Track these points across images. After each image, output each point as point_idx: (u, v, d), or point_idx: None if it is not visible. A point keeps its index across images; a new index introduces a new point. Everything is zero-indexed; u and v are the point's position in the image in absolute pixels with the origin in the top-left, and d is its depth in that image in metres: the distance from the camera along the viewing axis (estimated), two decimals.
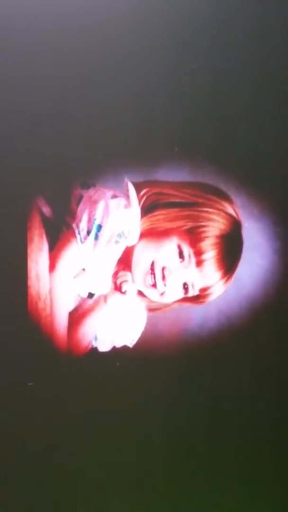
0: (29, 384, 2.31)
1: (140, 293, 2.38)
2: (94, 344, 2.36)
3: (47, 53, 2.32)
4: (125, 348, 2.38)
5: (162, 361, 2.39)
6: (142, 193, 2.36)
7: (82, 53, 2.35)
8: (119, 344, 2.38)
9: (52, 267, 2.31)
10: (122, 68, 2.37)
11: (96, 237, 2.31)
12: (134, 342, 2.38)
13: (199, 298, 2.40)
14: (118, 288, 2.35)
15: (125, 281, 2.35)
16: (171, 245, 2.36)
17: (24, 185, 2.30)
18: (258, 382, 2.45)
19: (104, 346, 2.37)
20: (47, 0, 2.32)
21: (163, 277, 2.35)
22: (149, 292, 2.37)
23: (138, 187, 2.36)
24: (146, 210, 2.36)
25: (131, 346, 2.37)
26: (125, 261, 2.35)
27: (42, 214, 2.32)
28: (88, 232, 2.31)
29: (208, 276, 2.38)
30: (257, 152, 2.47)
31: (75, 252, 2.32)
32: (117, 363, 2.35)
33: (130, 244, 2.34)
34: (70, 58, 2.34)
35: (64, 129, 2.33)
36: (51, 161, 2.32)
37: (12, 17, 2.32)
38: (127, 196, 2.35)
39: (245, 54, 2.45)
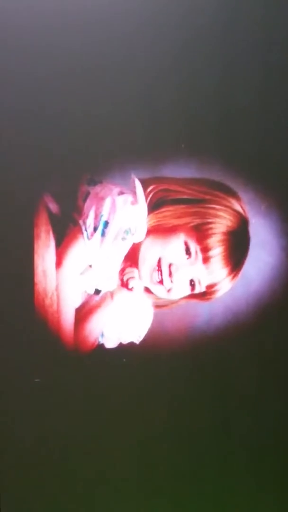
0: (36, 380, 2.31)
1: (147, 289, 2.37)
2: (101, 340, 2.36)
3: (53, 50, 2.32)
4: (131, 344, 2.38)
5: (168, 357, 2.39)
6: (149, 189, 2.36)
7: (88, 50, 2.35)
8: (125, 340, 2.37)
9: (59, 263, 2.31)
10: (128, 65, 2.36)
11: (103, 234, 2.31)
12: (140, 339, 2.37)
13: (206, 295, 2.39)
14: (124, 284, 2.35)
15: (131, 277, 2.35)
16: (178, 241, 2.36)
17: (31, 182, 2.30)
18: (265, 379, 2.45)
19: (110, 343, 2.37)
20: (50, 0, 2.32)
21: (170, 274, 2.35)
22: (156, 289, 2.37)
23: (145, 183, 2.35)
24: (153, 206, 2.36)
25: (137, 342, 2.37)
26: (132, 258, 2.35)
27: (49, 211, 2.32)
28: (95, 229, 2.31)
29: (215, 272, 2.38)
30: (264, 148, 2.46)
31: (82, 249, 2.32)
32: (124, 360, 2.35)
33: (137, 240, 2.34)
34: (75, 55, 2.34)
35: (70, 126, 2.33)
36: (57, 158, 2.31)
37: (17, 17, 2.31)
38: (134, 193, 2.34)
39: (251, 50, 2.44)
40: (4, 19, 2.29)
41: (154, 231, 2.35)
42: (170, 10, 2.38)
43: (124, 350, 2.37)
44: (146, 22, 2.37)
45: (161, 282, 2.35)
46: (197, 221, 2.37)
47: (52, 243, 2.31)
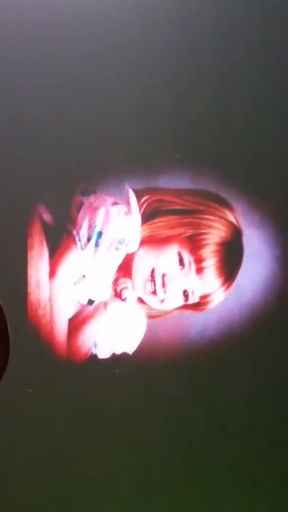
0: (29, 390, 2.30)
1: (140, 300, 2.37)
2: (94, 351, 2.36)
3: (49, 61, 2.32)
4: (124, 355, 2.37)
5: (162, 368, 2.38)
6: (143, 200, 2.36)
7: (84, 61, 2.35)
8: (118, 351, 2.37)
9: (52, 273, 2.31)
10: (124, 76, 2.37)
11: (97, 244, 2.31)
12: (133, 349, 2.37)
13: (199, 305, 2.39)
14: (118, 295, 2.35)
15: (125, 288, 2.35)
16: (171, 252, 2.36)
17: (25, 192, 2.30)
18: (259, 388, 2.45)
19: (103, 353, 2.37)
20: (50, 10, 2.32)
21: (163, 284, 2.35)
22: (149, 299, 2.37)
23: (139, 194, 2.36)
24: (147, 217, 2.36)
25: (130, 353, 2.37)
26: (125, 268, 2.35)
27: (42, 221, 2.31)
28: (89, 239, 2.31)
29: (208, 283, 2.38)
30: (258, 160, 2.46)
31: (76, 259, 2.31)
32: (117, 370, 2.35)
33: (130, 251, 2.34)
34: (72, 66, 2.34)
35: (65, 136, 2.33)
36: (52, 168, 2.31)
37: (16, 29, 2.32)
38: (128, 203, 2.34)
39: (247, 64, 2.44)
40: (4, 31, 2.30)
41: (148, 241, 2.35)
42: (167, 24, 2.39)
43: (117, 360, 2.36)
44: (143, 35, 2.37)
45: (154, 292, 2.35)
46: (190, 231, 2.38)
47: (45, 254, 2.31)
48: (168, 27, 2.39)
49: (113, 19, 2.35)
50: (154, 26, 2.38)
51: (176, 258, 2.36)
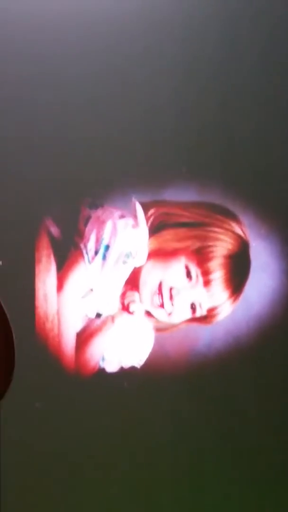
0: (36, 405, 2.29)
1: (148, 313, 2.37)
2: (102, 364, 2.35)
3: (54, 78, 2.33)
4: (132, 369, 2.36)
5: (170, 381, 2.37)
6: (150, 213, 2.36)
7: (90, 76, 2.36)
8: (126, 365, 2.36)
9: (60, 287, 2.31)
10: (129, 90, 2.37)
11: (104, 257, 2.31)
12: (142, 363, 2.36)
13: (207, 318, 2.39)
14: (125, 308, 2.35)
15: (132, 301, 2.34)
16: (178, 265, 2.36)
17: (33, 206, 2.30)
18: (267, 401, 2.44)
19: (111, 367, 2.36)
20: (51, 31, 2.34)
21: (171, 297, 2.35)
22: (157, 312, 2.36)
23: (146, 207, 2.36)
24: (154, 230, 2.36)
25: (138, 367, 2.36)
26: (132, 281, 2.34)
27: (50, 235, 2.31)
28: (96, 252, 2.31)
29: (215, 295, 2.38)
30: (264, 172, 2.46)
31: (83, 272, 2.31)
32: (125, 384, 2.34)
33: (138, 265, 2.34)
34: (77, 80, 2.34)
35: (71, 150, 2.33)
36: (59, 182, 2.32)
37: (18, 46, 2.33)
38: (135, 216, 2.34)
39: (252, 77, 2.45)
40: (6, 48, 2.31)
41: (155, 254, 2.35)
42: (170, 40, 2.40)
43: (125, 374, 2.35)
44: (147, 50, 2.38)
45: (162, 305, 2.35)
46: (198, 244, 2.37)
47: (53, 267, 2.31)
48: (174, 42, 2.40)
49: (119, 36, 2.36)
50: (160, 42, 2.39)
51: (184, 271, 2.36)
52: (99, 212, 2.33)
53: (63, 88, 2.33)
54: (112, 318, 2.35)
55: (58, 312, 2.30)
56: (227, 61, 2.43)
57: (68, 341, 2.32)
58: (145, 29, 2.39)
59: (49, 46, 2.33)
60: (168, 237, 2.37)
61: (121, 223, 2.33)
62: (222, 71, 2.43)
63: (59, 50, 2.33)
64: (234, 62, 2.44)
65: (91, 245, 2.31)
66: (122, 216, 2.34)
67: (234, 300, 2.40)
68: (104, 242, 2.31)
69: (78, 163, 2.33)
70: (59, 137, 2.33)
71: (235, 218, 2.41)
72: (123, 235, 2.32)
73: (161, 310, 2.36)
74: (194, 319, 2.38)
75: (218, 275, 2.38)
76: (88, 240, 2.31)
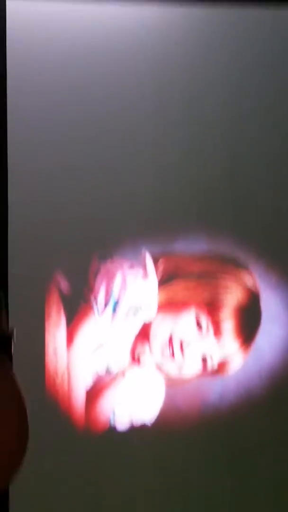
0: (47, 465, 2.24)
1: (159, 366, 2.33)
2: (112, 420, 2.31)
3: (63, 123, 2.33)
4: (143, 426, 2.32)
5: (181, 436, 2.33)
6: (159, 264, 2.34)
7: (98, 126, 2.36)
8: (137, 421, 2.32)
9: (69, 342, 2.28)
10: (140, 141, 2.37)
11: (114, 310, 2.28)
12: (152, 420, 2.32)
13: (218, 370, 2.36)
14: (136, 361, 2.31)
15: (143, 354, 2.31)
16: (189, 316, 2.33)
17: (42, 260, 2.28)
18: (280, 454, 2.39)
19: (122, 423, 2.31)
20: (64, 74, 2.34)
21: (182, 350, 2.32)
22: (168, 366, 2.33)
23: (155, 258, 2.34)
24: (164, 281, 2.34)
25: (149, 424, 2.31)
26: (143, 334, 2.31)
27: (60, 289, 2.29)
28: (106, 305, 2.28)
29: (226, 347, 2.35)
30: (274, 222, 2.45)
31: (93, 326, 2.28)
32: (135, 442, 2.29)
33: (147, 319, 2.31)
34: (86, 129, 2.34)
35: (80, 203, 2.32)
36: (69, 235, 2.30)
37: (26, 93, 2.33)
38: (145, 267, 2.33)
39: (262, 127, 2.45)
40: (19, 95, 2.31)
41: (165, 306, 2.33)
42: (182, 92, 2.41)
43: (136, 431, 2.31)
44: (153, 90, 2.39)
45: (172, 358, 2.32)
46: (208, 295, 2.35)
47: (63, 322, 2.28)
48: (182, 91, 2.41)
49: (125, 80, 2.37)
50: (169, 100, 2.40)
51: (194, 322, 2.33)
52: (109, 264, 2.31)
53: (73, 139, 2.34)
54: (123, 372, 2.32)
55: (68, 368, 2.27)
56: (237, 109, 2.44)
57: (78, 397, 2.28)
58: (148, 73, 2.40)
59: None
60: (178, 288, 2.35)
61: (130, 275, 2.31)
62: (232, 122, 2.43)
63: (67, 84, 2.34)
64: (243, 111, 2.44)
65: (101, 298, 2.28)
66: (131, 267, 2.32)
67: (245, 350, 2.37)
68: (114, 295, 2.29)
69: (88, 216, 2.32)
70: (68, 191, 2.32)
71: (245, 269, 2.40)
72: (133, 287, 2.30)
73: (171, 363, 2.32)
74: (205, 372, 2.35)
75: (228, 326, 2.35)
76: (98, 293, 2.28)
